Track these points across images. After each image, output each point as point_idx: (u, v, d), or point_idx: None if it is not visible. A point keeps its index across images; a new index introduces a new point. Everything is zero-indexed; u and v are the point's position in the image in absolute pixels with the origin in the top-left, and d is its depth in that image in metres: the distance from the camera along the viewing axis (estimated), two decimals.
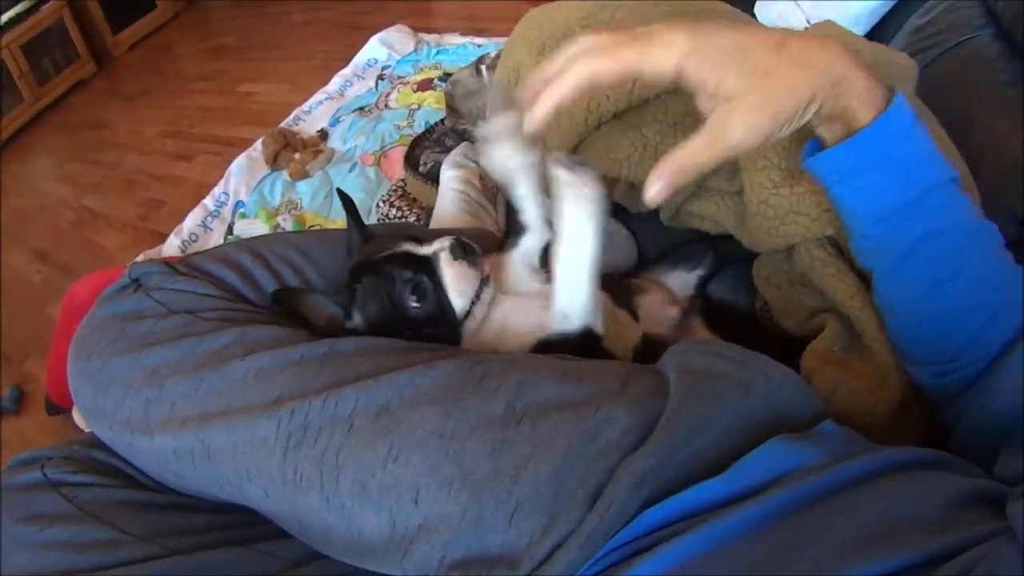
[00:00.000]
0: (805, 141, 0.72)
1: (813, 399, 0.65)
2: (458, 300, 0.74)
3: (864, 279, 0.82)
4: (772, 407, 0.62)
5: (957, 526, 0.48)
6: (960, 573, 0.43)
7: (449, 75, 1.83)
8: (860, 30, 1.35)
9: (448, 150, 1.45)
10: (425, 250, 0.75)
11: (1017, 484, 0.52)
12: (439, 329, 0.75)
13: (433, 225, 1.35)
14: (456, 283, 0.74)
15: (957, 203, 0.62)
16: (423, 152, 1.51)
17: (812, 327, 0.90)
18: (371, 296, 0.74)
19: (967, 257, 0.62)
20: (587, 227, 0.69)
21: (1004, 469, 0.56)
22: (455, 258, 0.74)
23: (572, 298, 0.74)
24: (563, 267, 0.72)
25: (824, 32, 0.86)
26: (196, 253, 0.79)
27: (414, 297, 0.73)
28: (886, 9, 1.37)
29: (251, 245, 0.79)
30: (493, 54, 1.57)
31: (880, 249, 0.65)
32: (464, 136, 1.47)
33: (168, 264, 0.74)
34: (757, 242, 0.95)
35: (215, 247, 0.81)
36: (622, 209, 1.10)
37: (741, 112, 0.55)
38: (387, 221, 1.58)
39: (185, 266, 0.74)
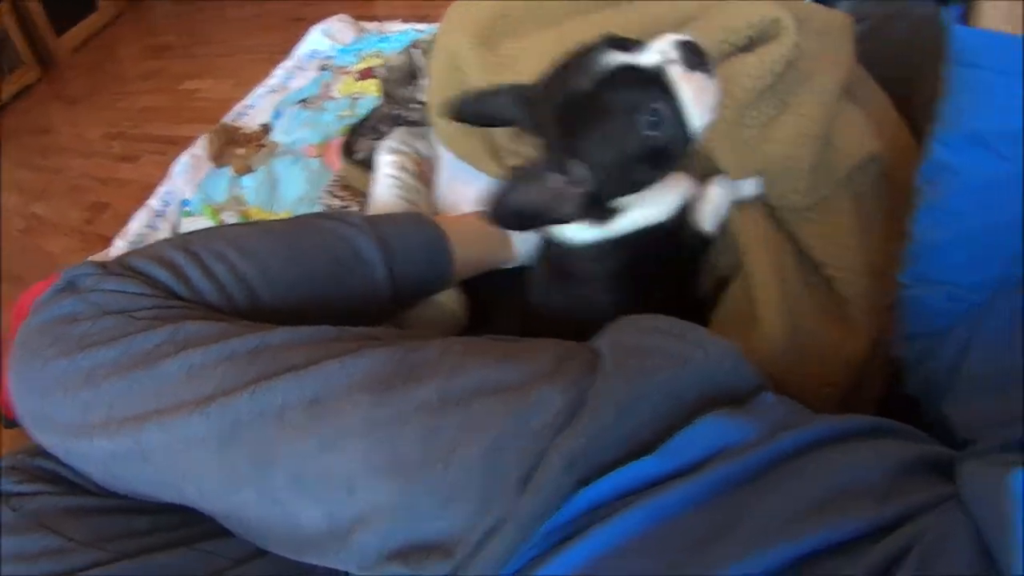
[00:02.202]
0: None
1: (752, 371, 0.65)
2: (699, 119, 0.66)
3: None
4: (709, 381, 0.63)
5: (902, 493, 0.48)
6: (908, 542, 0.43)
7: None
8: None
9: (383, 136, 1.45)
10: (649, 59, 0.65)
11: (964, 447, 0.53)
12: (673, 152, 0.67)
13: (369, 212, 1.35)
14: (698, 100, 0.65)
15: None
16: (358, 140, 1.51)
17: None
18: (594, 136, 0.65)
19: None
20: None
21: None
22: (692, 68, 0.64)
23: None
24: None
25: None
26: (129, 252, 0.79)
27: (653, 121, 0.64)
28: None
29: (186, 241, 0.79)
30: (427, 39, 1.57)
31: (987, 167, 0.61)
32: (399, 121, 1.47)
33: (101, 265, 0.74)
34: None
35: (149, 245, 0.81)
36: None
37: None
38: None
39: (118, 266, 0.74)
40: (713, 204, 0.84)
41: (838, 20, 0.94)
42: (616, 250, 0.79)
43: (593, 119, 0.66)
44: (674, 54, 0.64)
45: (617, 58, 0.64)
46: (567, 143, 0.67)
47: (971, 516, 0.43)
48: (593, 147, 0.66)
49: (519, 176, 0.68)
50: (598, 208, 0.73)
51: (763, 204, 0.90)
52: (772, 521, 0.48)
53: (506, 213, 0.68)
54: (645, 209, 0.77)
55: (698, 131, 0.66)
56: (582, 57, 0.66)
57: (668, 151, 0.67)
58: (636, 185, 0.71)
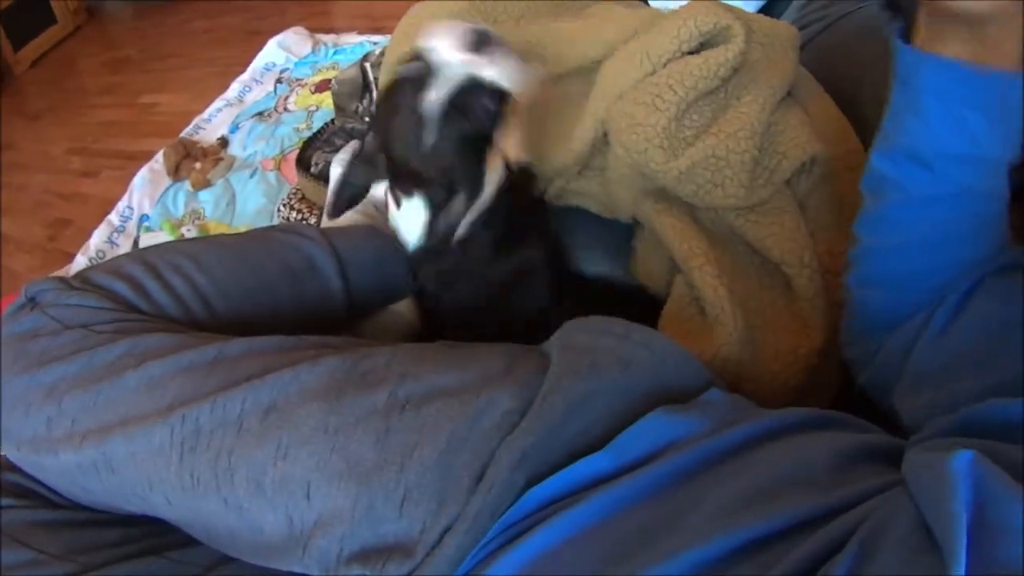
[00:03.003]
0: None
1: (699, 369, 0.68)
2: (515, 83, 0.74)
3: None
4: (656, 379, 0.65)
5: (846, 482, 0.50)
6: (851, 527, 0.44)
7: None
8: (752, 7, 1.37)
9: (338, 149, 1.48)
10: (457, 70, 0.73)
11: (908, 436, 0.55)
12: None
13: (325, 224, 1.37)
14: (504, 72, 0.73)
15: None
16: (314, 153, 1.53)
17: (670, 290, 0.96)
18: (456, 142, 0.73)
19: (982, 228, 0.61)
20: None
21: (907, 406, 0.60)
22: (478, 50, 0.72)
23: None
24: None
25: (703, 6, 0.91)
26: (90, 267, 0.80)
27: (485, 116, 0.72)
28: None
29: (143, 255, 0.80)
30: (378, 52, 1.60)
31: (925, 185, 0.61)
32: (353, 135, 1.50)
33: (63, 280, 0.75)
34: (622, 209, 1.01)
35: (109, 259, 0.82)
36: None
37: None
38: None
39: (79, 280, 0.75)
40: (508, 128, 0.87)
41: (783, 31, 0.97)
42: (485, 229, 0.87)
43: (439, 145, 0.74)
44: (458, 51, 0.71)
45: (433, 95, 0.72)
46: (435, 181, 0.76)
47: (913, 498, 0.44)
48: (456, 173, 0.75)
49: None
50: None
51: (687, 209, 0.94)
52: (715, 511, 0.49)
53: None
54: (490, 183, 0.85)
55: (519, 89, 0.72)
56: (393, 101, 0.74)
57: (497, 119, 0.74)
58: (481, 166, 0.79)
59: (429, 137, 0.72)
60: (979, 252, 0.62)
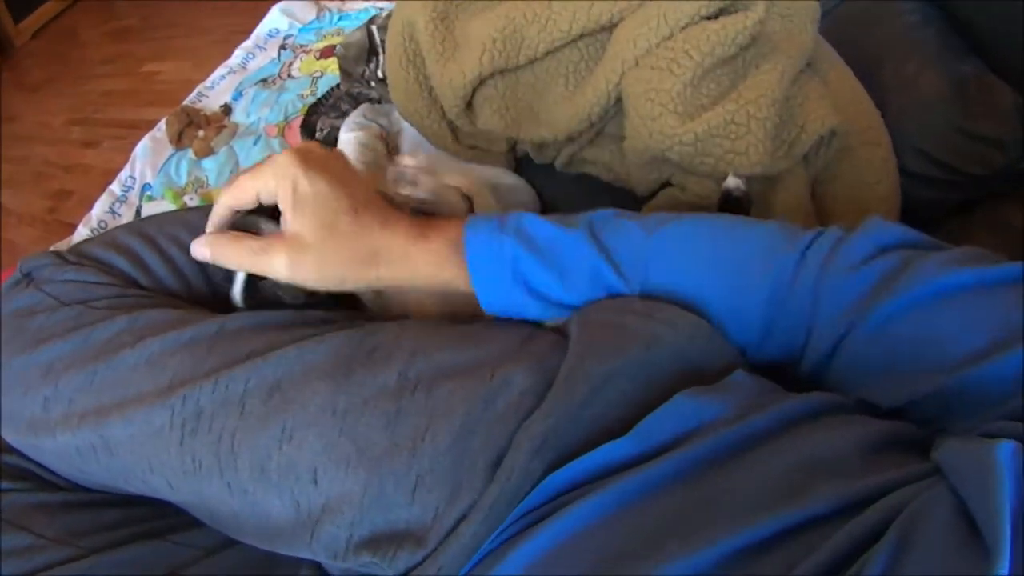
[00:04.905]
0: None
1: (725, 349, 0.64)
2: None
3: None
4: (681, 359, 0.61)
5: (876, 469, 0.47)
6: (885, 516, 0.42)
7: None
8: None
9: (344, 115, 1.44)
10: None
11: (928, 424, 0.52)
12: None
13: None
14: None
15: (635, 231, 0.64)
16: (319, 119, 1.50)
17: None
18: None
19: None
20: None
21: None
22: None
23: None
24: None
25: None
26: (86, 240, 0.77)
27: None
28: None
29: (141, 227, 0.77)
30: (384, 14, 1.56)
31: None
32: (360, 99, 1.46)
33: (58, 254, 0.72)
34: (636, 180, 0.98)
35: (105, 232, 0.79)
36: (525, 160, 1.12)
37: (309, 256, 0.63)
38: None
39: (75, 255, 0.73)
40: None
41: (803, 3, 0.94)
42: None
43: None
44: None
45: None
46: None
47: (953, 489, 0.42)
48: None
49: None
50: None
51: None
52: (745, 501, 0.47)
53: None
54: None
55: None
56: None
57: None
58: None
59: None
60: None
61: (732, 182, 0.85)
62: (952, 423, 0.51)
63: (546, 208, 1.11)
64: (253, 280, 0.69)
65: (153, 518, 0.68)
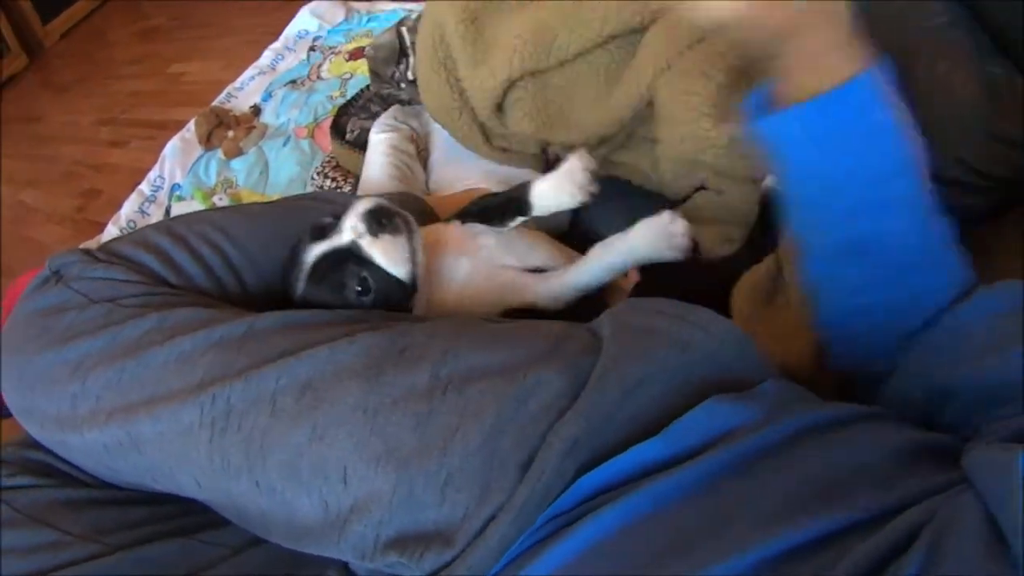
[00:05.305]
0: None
1: (756, 355, 0.64)
2: (400, 270, 0.73)
3: None
4: (713, 364, 0.61)
5: (907, 477, 0.47)
6: (915, 525, 0.42)
7: None
8: None
9: (374, 116, 1.44)
10: (342, 240, 0.73)
11: (959, 434, 0.52)
12: (396, 302, 0.74)
13: (361, 192, 1.34)
14: (389, 257, 0.72)
15: (915, 198, 0.60)
16: (349, 120, 1.49)
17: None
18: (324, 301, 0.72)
19: (909, 268, 0.61)
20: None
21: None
22: (375, 235, 0.72)
23: (586, 283, 0.78)
24: (605, 256, 0.78)
25: None
26: (115, 238, 0.77)
27: (360, 291, 0.72)
28: None
29: (170, 226, 0.77)
30: (414, 16, 1.55)
31: (825, 226, 0.62)
32: (389, 100, 1.46)
33: (87, 252, 0.72)
34: (669, 184, 0.97)
35: (135, 231, 0.80)
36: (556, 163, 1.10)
37: None
38: None
39: (104, 253, 0.72)
40: None
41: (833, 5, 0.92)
42: None
43: (311, 291, 0.74)
44: (361, 227, 0.72)
45: (317, 249, 0.72)
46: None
47: (981, 499, 0.42)
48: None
49: None
50: None
51: None
52: (774, 507, 0.47)
53: None
54: None
55: (407, 278, 0.73)
56: (292, 258, 0.74)
57: (389, 303, 0.74)
58: None
59: (300, 286, 0.74)
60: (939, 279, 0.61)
61: (772, 182, 0.84)
62: (981, 418, 0.52)
63: (576, 212, 1.10)
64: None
65: (180, 516, 0.67)
